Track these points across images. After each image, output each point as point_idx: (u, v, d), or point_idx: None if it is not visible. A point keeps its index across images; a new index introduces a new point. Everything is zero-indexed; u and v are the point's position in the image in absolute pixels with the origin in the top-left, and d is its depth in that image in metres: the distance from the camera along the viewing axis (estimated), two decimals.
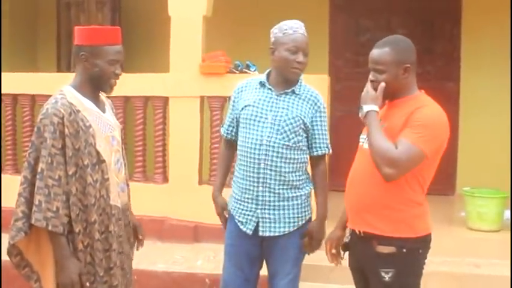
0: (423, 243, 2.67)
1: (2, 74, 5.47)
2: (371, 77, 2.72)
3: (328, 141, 3.20)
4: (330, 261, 3.00)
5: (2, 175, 5.41)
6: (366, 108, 2.67)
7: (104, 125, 2.70)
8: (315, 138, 3.15)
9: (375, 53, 2.70)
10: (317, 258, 4.31)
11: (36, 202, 2.51)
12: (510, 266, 4.34)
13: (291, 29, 3.06)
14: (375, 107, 2.67)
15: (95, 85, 2.70)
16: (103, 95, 2.81)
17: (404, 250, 2.60)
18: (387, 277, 2.61)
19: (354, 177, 2.77)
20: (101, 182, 2.63)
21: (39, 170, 2.53)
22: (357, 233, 2.75)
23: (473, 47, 6.53)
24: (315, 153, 3.17)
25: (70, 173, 2.56)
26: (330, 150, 3.22)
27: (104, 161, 2.64)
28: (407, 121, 2.59)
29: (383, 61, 2.66)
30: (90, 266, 2.63)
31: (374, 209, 2.65)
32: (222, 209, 3.28)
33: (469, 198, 5.10)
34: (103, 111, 2.75)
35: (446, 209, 5.64)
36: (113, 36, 2.68)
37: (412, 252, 2.63)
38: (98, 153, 2.62)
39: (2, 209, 4.82)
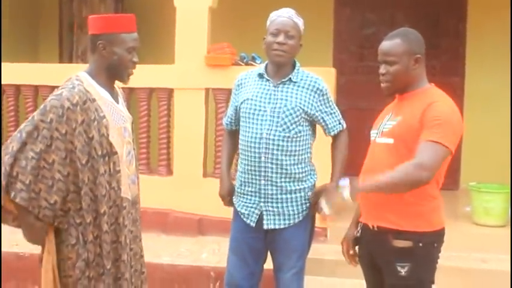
0: (438, 237, 2.66)
1: (5, 64, 5.42)
2: (381, 70, 2.70)
3: (340, 117, 3.18)
4: (348, 262, 2.95)
5: None
6: (347, 193, 2.57)
7: (117, 116, 2.66)
8: (327, 121, 3.13)
9: (386, 44, 2.69)
10: (322, 251, 4.33)
11: (27, 182, 2.47)
12: (510, 260, 4.32)
13: (276, 15, 3.08)
14: (346, 183, 2.61)
15: (113, 74, 2.66)
16: (117, 85, 2.77)
17: (421, 244, 2.59)
18: (403, 271, 2.59)
19: (368, 171, 2.73)
20: (113, 174, 2.59)
21: (37, 149, 2.47)
22: (370, 227, 2.73)
23: (478, 42, 6.50)
24: (332, 134, 3.18)
25: (83, 162, 2.52)
26: (344, 125, 3.19)
27: (116, 153, 2.60)
28: (423, 120, 2.56)
29: (394, 52, 2.65)
30: (99, 258, 2.59)
31: (390, 203, 2.62)
32: (227, 191, 3.24)
33: (475, 193, 5.08)
34: (117, 101, 2.71)
35: (451, 204, 5.60)
36: (130, 23, 2.66)
37: (428, 246, 2.62)
38: (110, 144, 2.58)
39: None
